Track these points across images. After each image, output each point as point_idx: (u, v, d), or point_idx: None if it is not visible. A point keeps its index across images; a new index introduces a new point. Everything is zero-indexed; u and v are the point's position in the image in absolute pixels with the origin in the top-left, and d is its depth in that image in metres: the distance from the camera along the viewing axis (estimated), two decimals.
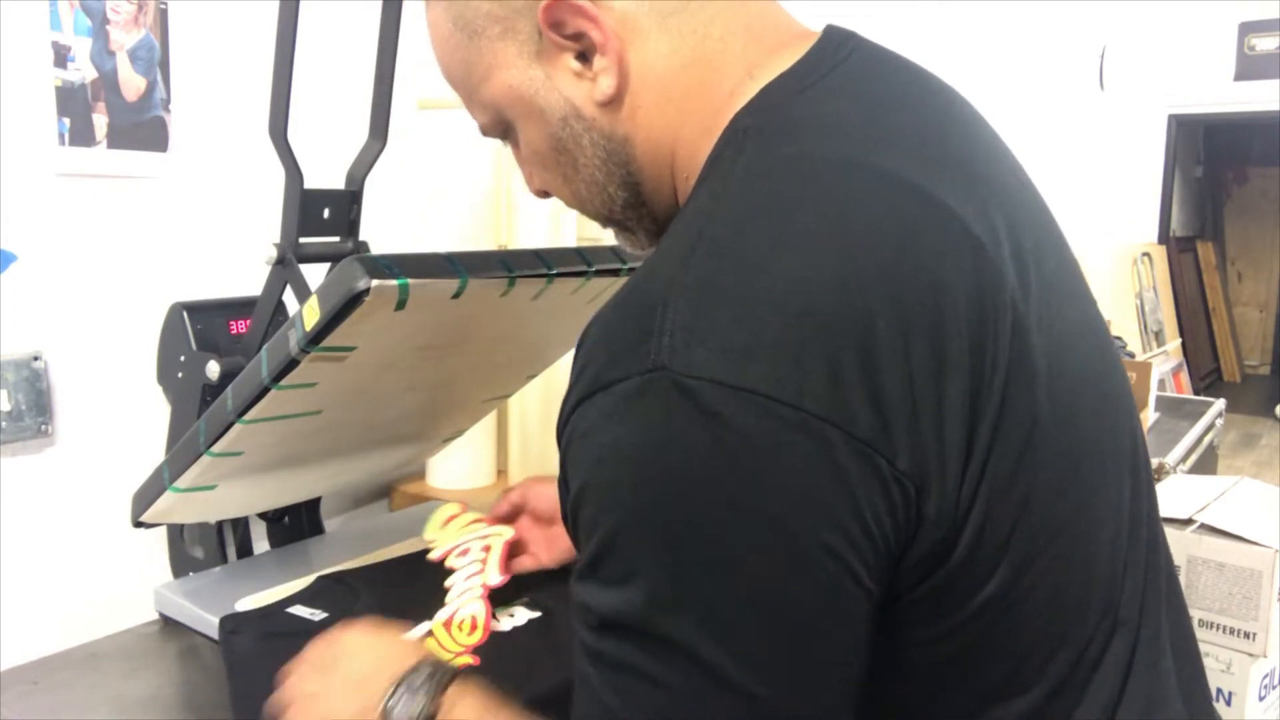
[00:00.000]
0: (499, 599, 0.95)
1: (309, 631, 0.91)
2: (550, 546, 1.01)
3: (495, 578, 0.95)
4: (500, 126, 0.65)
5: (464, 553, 0.98)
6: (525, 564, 1.01)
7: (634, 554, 0.46)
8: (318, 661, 0.71)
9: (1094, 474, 0.57)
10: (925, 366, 0.47)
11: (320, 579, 1.03)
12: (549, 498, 1.01)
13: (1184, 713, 0.63)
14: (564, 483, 0.50)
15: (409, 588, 0.98)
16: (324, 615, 0.95)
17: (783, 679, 0.47)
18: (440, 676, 0.65)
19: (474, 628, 0.89)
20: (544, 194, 0.68)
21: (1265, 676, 1.27)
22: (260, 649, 0.90)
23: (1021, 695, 0.54)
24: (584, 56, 0.58)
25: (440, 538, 1.04)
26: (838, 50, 0.59)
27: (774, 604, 0.46)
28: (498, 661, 0.85)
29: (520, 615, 0.97)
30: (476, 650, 0.87)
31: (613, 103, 0.59)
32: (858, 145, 0.54)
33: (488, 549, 0.98)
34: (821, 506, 0.45)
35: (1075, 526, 0.55)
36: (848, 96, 0.57)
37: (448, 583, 0.96)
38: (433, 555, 1.00)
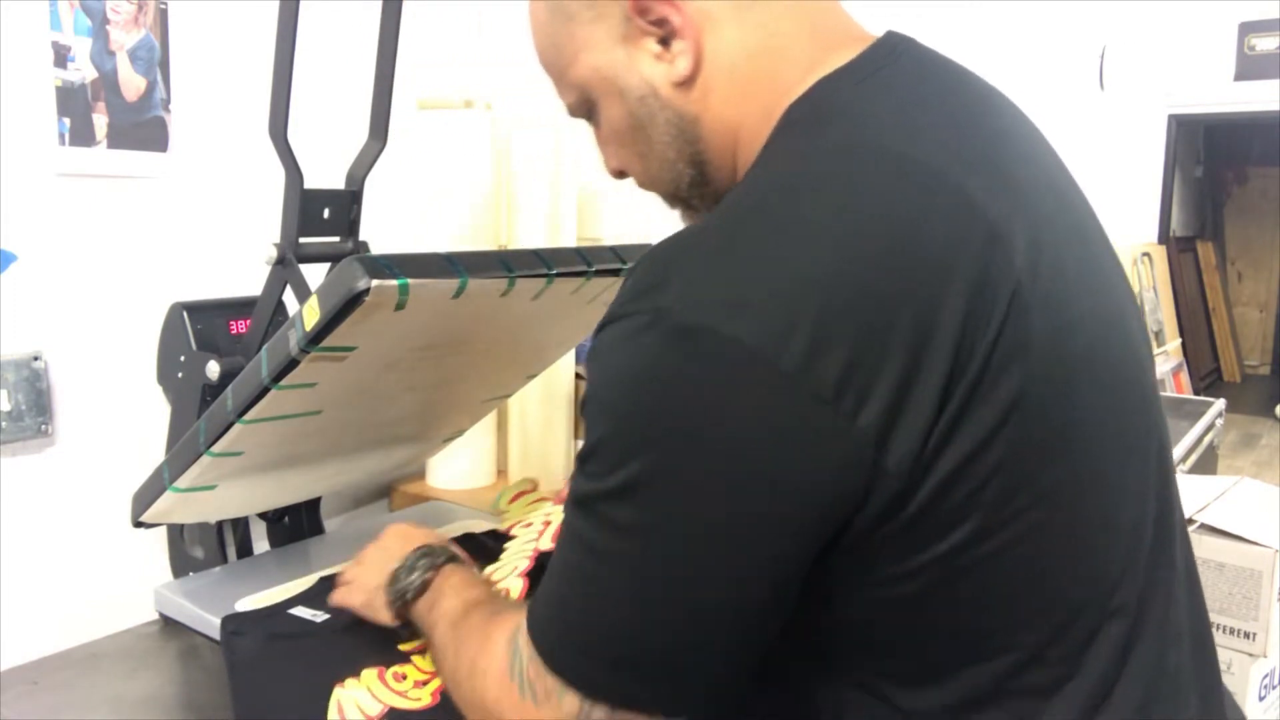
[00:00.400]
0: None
1: (310, 632, 0.92)
2: None
3: (548, 544, 1.00)
4: (585, 106, 0.71)
5: (527, 525, 1.06)
6: None
7: (612, 457, 0.55)
8: (368, 549, 0.91)
9: (1093, 454, 0.59)
10: (908, 338, 0.52)
11: (322, 580, 1.04)
12: None
13: (1199, 709, 0.65)
14: None
15: None
16: (326, 616, 0.95)
17: (690, 585, 0.55)
18: (434, 558, 0.83)
19: None
20: (620, 174, 0.75)
21: (1265, 676, 1.27)
22: (263, 649, 0.90)
23: (993, 659, 0.58)
24: (664, 41, 0.65)
25: (511, 511, 1.17)
26: (889, 53, 0.64)
27: (706, 523, 0.54)
28: None
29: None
30: None
31: (687, 84, 0.65)
32: (886, 134, 0.59)
33: (547, 523, 1.05)
34: (771, 451, 0.52)
35: (1059, 498, 0.57)
36: (888, 94, 0.62)
37: (506, 545, 1.04)
38: (502, 526, 1.11)
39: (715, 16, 0.64)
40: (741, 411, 0.52)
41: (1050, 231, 0.60)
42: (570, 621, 0.59)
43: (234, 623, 0.94)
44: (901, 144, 0.58)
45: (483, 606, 0.74)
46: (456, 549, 0.87)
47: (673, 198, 0.73)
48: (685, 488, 0.53)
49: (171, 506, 0.99)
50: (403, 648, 0.87)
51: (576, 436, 1.57)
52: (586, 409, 0.57)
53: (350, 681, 0.82)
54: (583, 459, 0.57)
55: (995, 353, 0.54)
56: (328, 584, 1.02)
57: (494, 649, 0.65)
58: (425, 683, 0.82)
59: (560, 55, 0.69)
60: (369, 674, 0.83)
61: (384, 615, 0.84)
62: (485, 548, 1.13)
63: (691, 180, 0.69)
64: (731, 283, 0.53)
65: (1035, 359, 0.55)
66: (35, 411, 1.10)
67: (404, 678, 0.83)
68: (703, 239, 0.57)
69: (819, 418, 0.51)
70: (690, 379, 0.52)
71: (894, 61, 0.64)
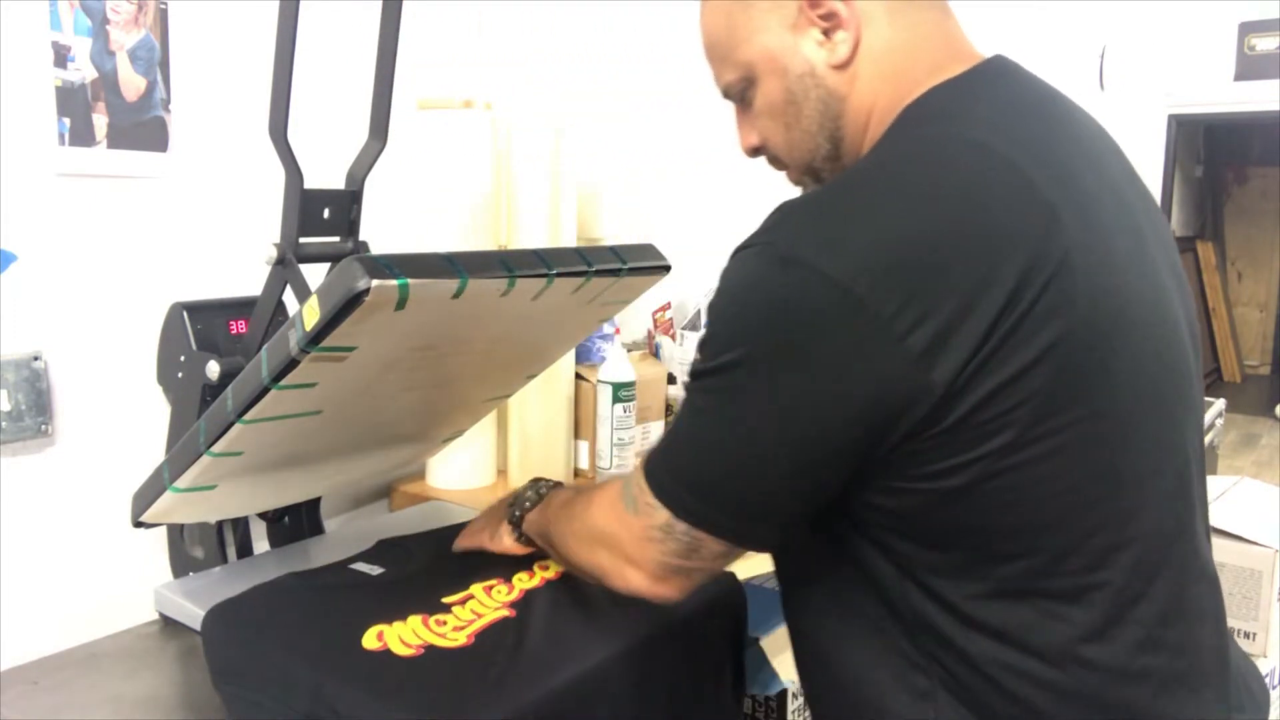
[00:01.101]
0: (534, 554, 1.05)
1: (366, 585, 1.01)
2: None
3: None
4: (742, 84, 0.83)
5: None
6: None
7: (718, 344, 0.71)
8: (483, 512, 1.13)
9: (1124, 402, 0.71)
10: (964, 286, 0.65)
11: (381, 542, 1.12)
12: None
13: (1213, 637, 0.78)
14: None
15: (461, 551, 1.10)
16: (381, 570, 1.03)
17: (760, 441, 0.71)
18: (546, 482, 1.03)
19: (510, 589, 0.98)
20: (755, 151, 0.87)
21: (1265, 676, 1.27)
22: (241, 646, 0.90)
23: (1019, 559, 0.71)
24: (826, 32, 0.78)
25: None
26: (994, 72, 0.79)
27: (778, 398, 0.69)
28: (534, 617, 0.93)
29: (552, 568, 1.03)
30: (513, 605, 0.95)
31: (842, 67, 0.78)
32: (976, 131, 0.72)
33: None
34: (835, 352, 0.67)
35: (1085, 431, 0.69)
36: (985, 103, 0.75)
37: None
38: None
39: (873, 15, 0.77)
40: (816, 320, 0.66)
41: (1101, 221, 0.72)
42: (674, 456, 0.76)
43: (216, 615, 0.93)
44: (986, 138, 0.71)
45: (589, 486, 0.91)
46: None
47: (806, 168, 0.84)
48: (766, 371, 0.69)
49: (171, 506, 0.99)
50: (446, 600, 0.95)
51: (577, 437, 1.57)
52: (709, 310, 0.74)
53: (397, 623, 0.90)
54: (700, 346, 0.74)
55: (1038, 306, 0.66)
56: (386, 545, 1.11)
57: (606, 488, 0.84)
58: (463, 628, 0.91)
59: (733, 36, 0.81)
60: (414, 619, 0.91)
61: (507, 539, 1.04)
62: None
63: (826, 154, 0.82)
64: (828, 229, 0.68)
65: (1077, 315, 0.67)
66: (35, 411, 1.10)
67: (444, 623, 0.91)
68: (816, 197, 0.73)
69: (876, 332, 0.65)
70: (781, 294, 0.67)
71: (996, 79, 0.78)
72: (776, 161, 0.87)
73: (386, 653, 0.86)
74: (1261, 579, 1.27)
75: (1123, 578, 0.71)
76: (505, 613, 0.94)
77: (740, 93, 0.84)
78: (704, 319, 0.73)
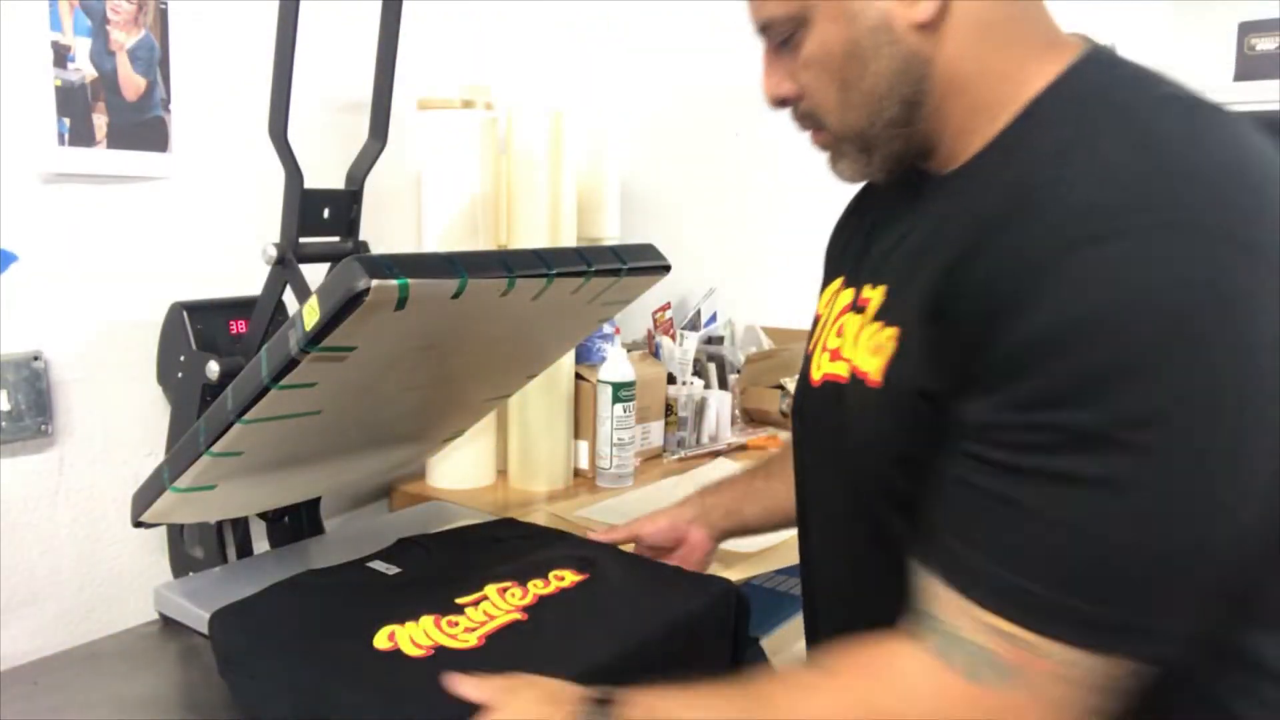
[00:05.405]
0: (551, 561, 1.05)
1: (381, 584, 1.02)
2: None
3: None
4: (791, 24, 0.68)
5: None
6: None
7: (1138, 391, 0.54)
8: (502, 683, 0.77)
9: None
10: None
11: (400, 540, 1.12)
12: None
13: None
14: None
15: (479, 552, 1.10)
16: (397, 570, 1.04)
17: (1218, 511, 0.55)
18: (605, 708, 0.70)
19: (524, 593, 0.98)
20: (783, 102, 0.73)
21: None
22: (251, 644, 0.90)
23: None
24: None
25: None
26: (1104, 54, 0.68)
27: (1241, 444, 0.55)
28: (545, 622, 0.93)
29: (567, 578, 1.02)
30: (525, 609, 0.95)
31: (925, 28, 0.65)
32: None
33: None
34: None
35: None
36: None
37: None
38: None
39: None
40: None
41: None
42: (1072, 566, 0.55)
43: (221, 618, 0.94)
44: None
45: (766, 680, 0.72)
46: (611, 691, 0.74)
47: (858, 134, 0.70)
48: (1214, 409, 0.53)
49: (171, 506, 0.99)
50: (459, 600, 0.95)
51: (577, 437, 1.57)
52: (1064, 345, 0.56)
53: (409, 624, 0.90)
54: (1076, 392, 0.55)
55: None
56: (405, 544, 1.11)
57: (895, 666, 0.62)
58: (474, 629, 0.91)
59: None
60: (426, 619, 0.91)
61: None
62: (496, 540, 1.14)
63: (892, 119, 0.68)
64: (1249, 197, 0.57)
65: None
66: (35, 411, 1.10)
67: (456, 624, 0.91)
68: (1159, 150, 0.59)
69: None
70: (1247, 294, 0.54)
71: (1117, 64, 0.67)
72: (809, 119, 0.72)
73: (396, 653, 0.86)
74: None
75: None
76: (517, 616, 0.94)
77: (784, 33, 0.69)
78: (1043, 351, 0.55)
